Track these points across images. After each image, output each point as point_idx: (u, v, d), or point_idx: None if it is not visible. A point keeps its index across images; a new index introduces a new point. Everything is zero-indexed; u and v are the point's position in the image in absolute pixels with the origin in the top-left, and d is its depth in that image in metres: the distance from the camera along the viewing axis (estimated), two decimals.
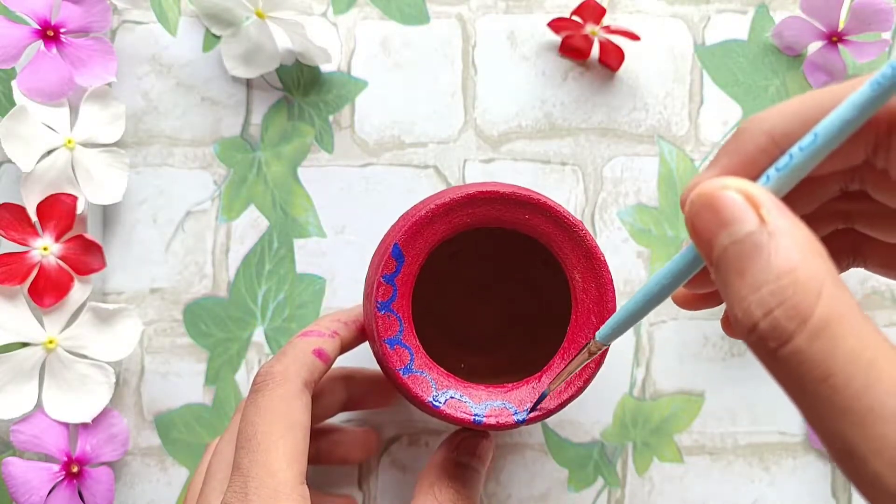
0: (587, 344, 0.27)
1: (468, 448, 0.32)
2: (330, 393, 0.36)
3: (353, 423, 0.40)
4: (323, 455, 0.37)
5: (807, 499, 0.40)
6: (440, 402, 0.30)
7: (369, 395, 0.37)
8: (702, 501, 0.40)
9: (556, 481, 0.40)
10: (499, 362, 0.37)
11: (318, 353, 0.31)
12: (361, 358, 0.38)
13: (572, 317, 0.31)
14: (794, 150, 0.20)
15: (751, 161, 0.22)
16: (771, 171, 0.20)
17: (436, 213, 0.30)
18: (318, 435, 0.38)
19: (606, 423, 0.40)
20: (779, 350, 0.18)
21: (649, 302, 0.24)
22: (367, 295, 0.31)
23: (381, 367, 0.31)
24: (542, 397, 0.30)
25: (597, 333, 0.27)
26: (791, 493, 0.40)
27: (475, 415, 0.30)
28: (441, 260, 0.33)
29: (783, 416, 0.40)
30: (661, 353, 0.40)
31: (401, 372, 0.30)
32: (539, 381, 0.31)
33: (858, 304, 0.18)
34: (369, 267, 0.32)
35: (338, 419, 0.39)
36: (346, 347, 0.33)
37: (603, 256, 0.30)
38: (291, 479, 0.27)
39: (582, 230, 0.30)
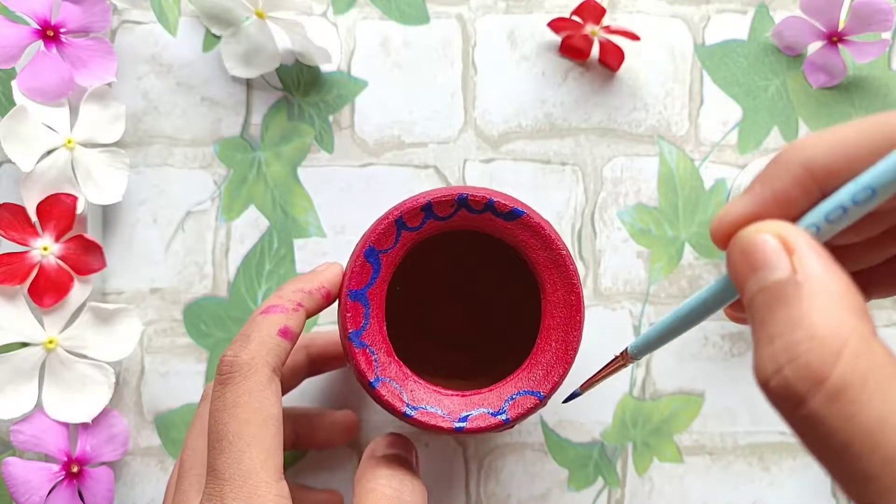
0: (618, 355, 0.27)
1: (395, 443, 0.31)
2: (292, 365, 0.35)
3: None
4: (303, 439, 0.37)
5: (807, 499, 0.40)
6: (376, 385, 0.30)
7: (330, 359, 0.37)
8: (702, 501, 0.40)
9: (556, 481, 0.40)
10: (459, 362, 0.37)
11: (284, 332, 0.29)
12: None
13: (537, 340, 0.31)
14: (849, 203, 0.19)
15: (784, 192, 0.20)
16: (822, 223, 0.19)
17: (450, 200, 0.30)
18: (298, 419, 0.37)
19: (606, 424, 0.40)
20: (794, 412, 0.17)
21: (686, 321, 0.23)
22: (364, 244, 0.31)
23: (339, 291, 0.32)
24: (572, 396, 0.30)
25: (629, 346, 0.26)
26: (791, 493, 0.40)
27: (406, 413, 0.30)
28: (417, 256, 0.33)
29: None
30: (661, 353, 0.40)
31: (352, 337, 0.30)
32: (479, 396, 0.31)
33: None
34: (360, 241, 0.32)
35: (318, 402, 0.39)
36: (310, 316, 0.31)
37: (581, 294, 0.31)
38: (268, 478, 0.26)
39: (571, 266, 0.30)
